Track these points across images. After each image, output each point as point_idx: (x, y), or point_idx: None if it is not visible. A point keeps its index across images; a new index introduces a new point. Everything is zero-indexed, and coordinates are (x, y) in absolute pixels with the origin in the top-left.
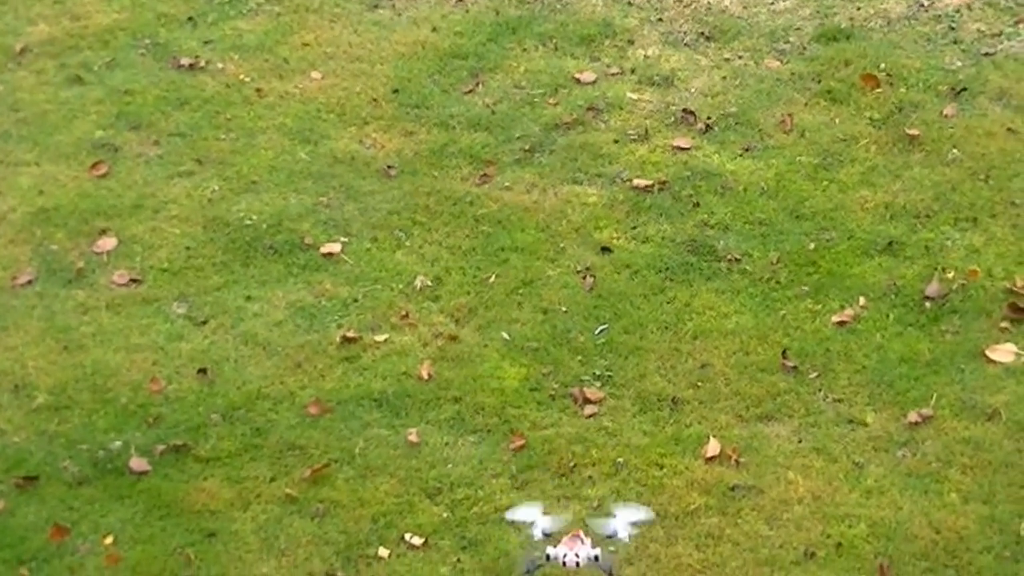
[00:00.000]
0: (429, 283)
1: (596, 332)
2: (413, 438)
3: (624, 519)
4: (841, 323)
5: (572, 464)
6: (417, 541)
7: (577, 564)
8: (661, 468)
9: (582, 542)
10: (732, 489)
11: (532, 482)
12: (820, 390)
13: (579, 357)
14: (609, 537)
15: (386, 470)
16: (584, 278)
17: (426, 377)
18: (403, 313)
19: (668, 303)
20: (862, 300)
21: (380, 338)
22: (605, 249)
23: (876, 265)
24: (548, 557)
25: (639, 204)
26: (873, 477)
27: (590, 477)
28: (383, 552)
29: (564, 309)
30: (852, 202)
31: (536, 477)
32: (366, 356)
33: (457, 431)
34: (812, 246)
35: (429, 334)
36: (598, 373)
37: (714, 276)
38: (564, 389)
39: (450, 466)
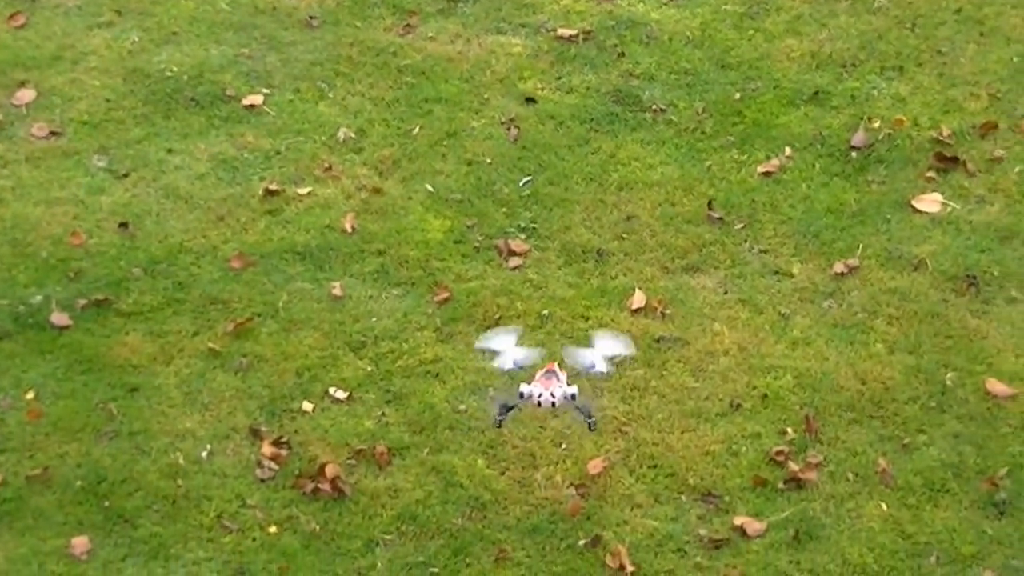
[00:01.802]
0: (352, 135)
1: (521, 183)
2: (337, 291)
3: (601, 351)
4: (767, 173)
5: (497, 316)
6: (341, 395)
7: (553, 404)
8: (587, 320)
9: (558, 379)
10: (658, 341)
11: (457, 334)
12: (746, 241)
13: (504, 209)
14: (587, 370)
15: (310, 324)
16: (508, 129)
17: (350, 230)
18: (326, 165)
19: (593, 154)
20: (788, 150)
21: (303, 191)
22: (529, 100)
23: (802, 115)
24: (522, 395)
25: (564, 54)
26: (799, 328)
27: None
28: (307, 406)
29: (488, 161)
30: (778, 51)
31: (461, 330)
32: (289, 209)
33: (381, 284)
34: (738, 96)
35: (352, 186)
36: (523, 225)
37: (639, 127)
38: (489, 241)
39: (374, 319)
